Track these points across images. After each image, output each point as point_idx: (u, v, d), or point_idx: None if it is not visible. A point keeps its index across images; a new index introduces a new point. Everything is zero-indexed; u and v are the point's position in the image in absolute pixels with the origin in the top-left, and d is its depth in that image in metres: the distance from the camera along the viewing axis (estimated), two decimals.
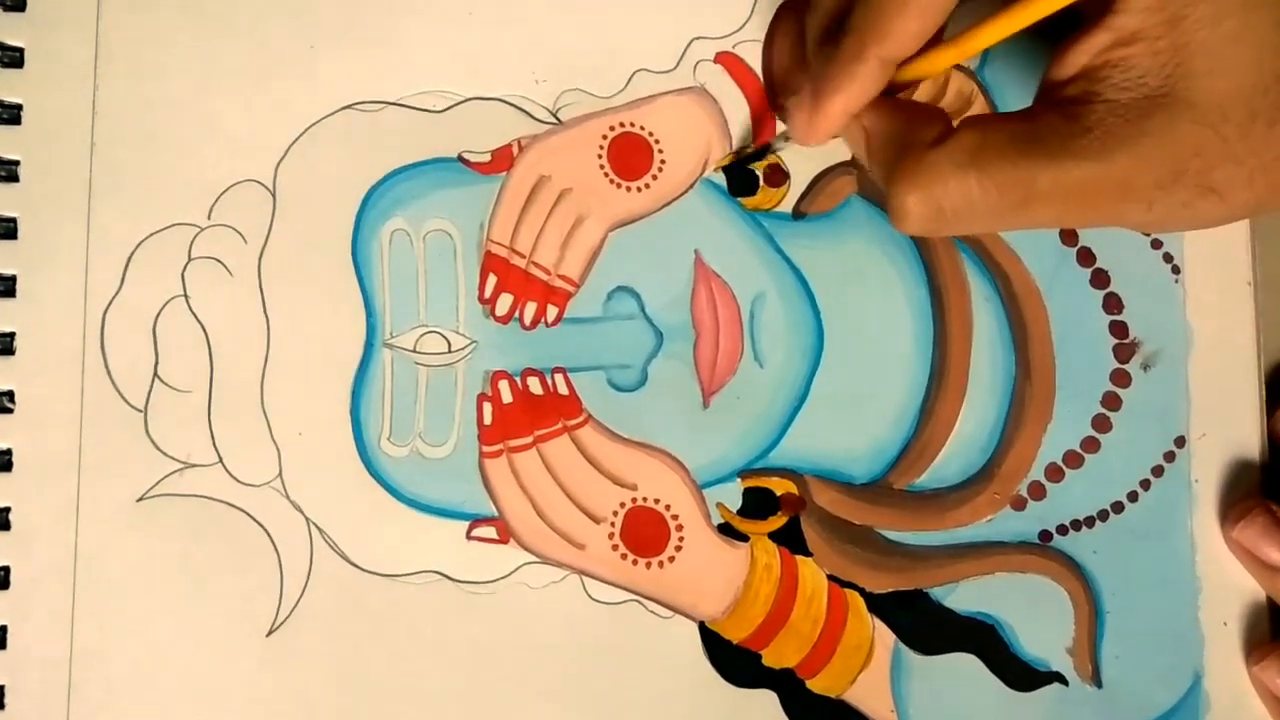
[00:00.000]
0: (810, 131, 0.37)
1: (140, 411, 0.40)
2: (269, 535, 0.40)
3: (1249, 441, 0.44)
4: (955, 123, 0.35)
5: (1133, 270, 0.44)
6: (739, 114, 0.43)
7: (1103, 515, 0.43)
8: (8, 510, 0.40)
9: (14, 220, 0.41)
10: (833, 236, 0.43)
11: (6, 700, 0.39)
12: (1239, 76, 0.32)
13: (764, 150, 0.42)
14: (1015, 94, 0.44)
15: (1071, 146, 0.33)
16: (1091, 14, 0.34)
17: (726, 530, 0.42)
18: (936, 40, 0.35)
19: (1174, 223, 0.35)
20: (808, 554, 0.42)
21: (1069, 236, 0.44)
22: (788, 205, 0.43)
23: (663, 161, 0.43)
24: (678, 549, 0.42)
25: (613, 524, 0.42)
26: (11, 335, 0.40)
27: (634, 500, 0.42)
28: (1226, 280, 0.44)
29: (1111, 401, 0.43)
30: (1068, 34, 0.34)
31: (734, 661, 0.41)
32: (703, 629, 0.41)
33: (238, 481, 0.40)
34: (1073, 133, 0.33)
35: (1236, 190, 0.33)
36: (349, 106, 0.42)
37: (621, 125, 0.43)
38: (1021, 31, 0.34)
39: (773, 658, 0.42)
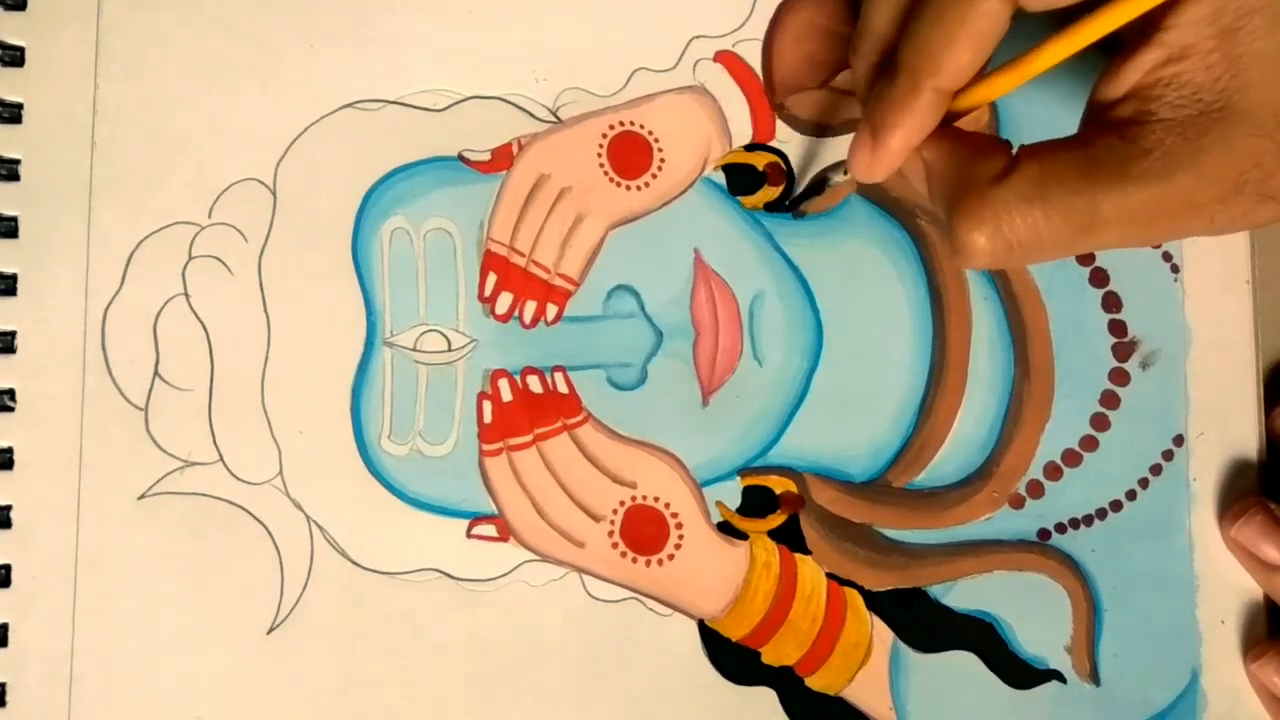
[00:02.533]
0: (872, 170, 0.36)
1: (141, 410, 0.40)
2: (269, 533, 0.40)
3: (1247, 440, 0.44)
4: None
5: (1132, 269, 0.44)
6: (739, 113, 0.43)
7: (1101, 514, 0.43)
8: (9, 508, 0.40)
9: (15, 219, 0.41)
10: (833, 236, 0.43)
11: (8, 698, 0.39)
12: None
13: (821, 184, 0.42)
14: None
15: (1132, 170, 0.32)
16: (1135, 32, 0.33)
17: (726, 528, 0.42)
18: (991, 68, 0.35)
19: (1234, 229, 0.35)
20: (807, 552, 0.42)
21: None
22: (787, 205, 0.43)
23: (662, 160, 0.43)
24: (677, 547, 0.42)
25: (612, 522, 0.42)
26: (12, 334, 0.40)
27: (633, 498, 0.42)
28: (1225, 279, 0.44)
29: (1110, 400, 0.44)
30: (1113, 53, 0.34)
31: (733, 659, 0.42)
32: (702, 627, 0.42)
33: (238, 480, 0.41)
34: (1132, 155, 0.33)
35: None
36: (349, 105, 0.42)
37: (621, 124, 0.43)
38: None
39: (772, 655, 0.42)
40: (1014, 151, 0.34)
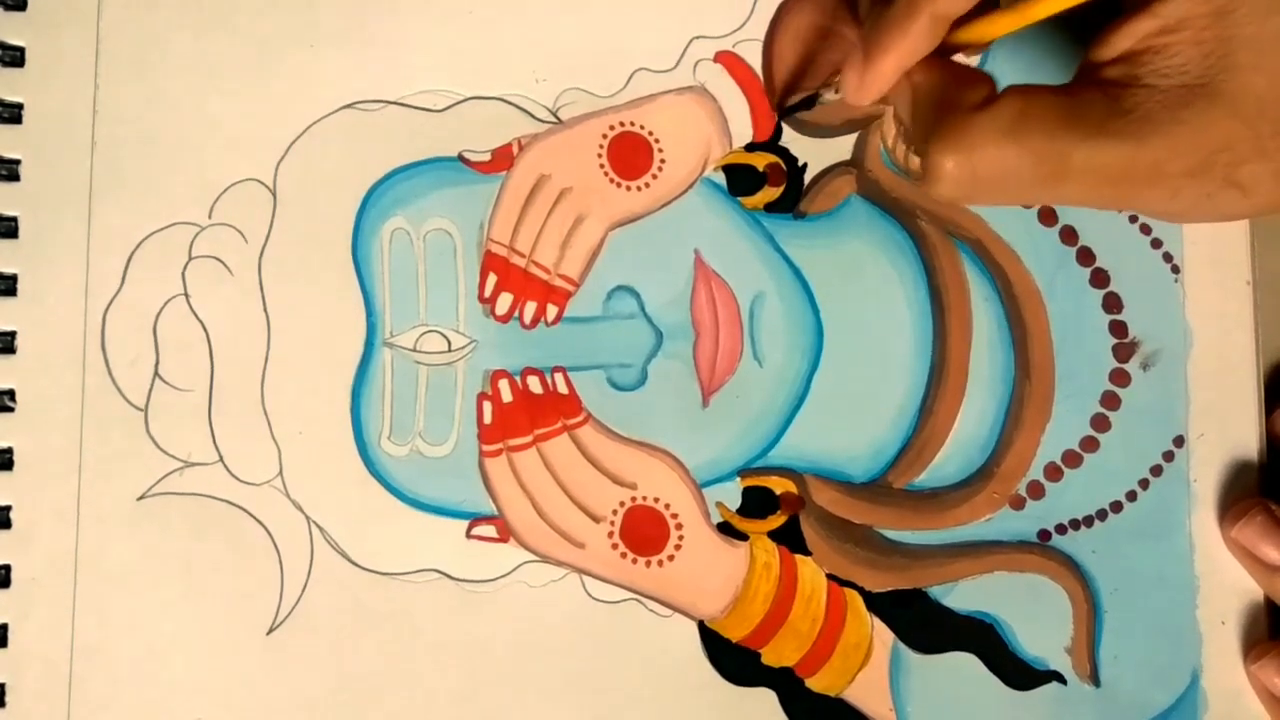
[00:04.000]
0: (862, 89, 0.37)
1: (141, 410, 0.40)
2: (269, 534, 0.40)
3: (1248, 441, 0.44)
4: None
5: (1132, 270, 0.44)
6: (739, 113, 0.43)
7: (1101, 515, 0.43)
8: (8, 509, 0.40)
9: (15, 219, 0.41)
10: (832, 236, 0.43)
11: (7, 698, 0.39)
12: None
13: (811, 101, 0.42)
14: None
15: (1109, 126, 0.33)
16: (1135, 0, 0.34)
17: (726, 529, 0.42)
18: (993, 7, 0.35)
19: (1194, 214, 0.35)
20: (807, 553, 0.42)
21: (1069, 236, 0.44)
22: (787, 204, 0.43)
23: (662, 161, 0.43)
24: (677, 548, 0.42)
25: (612, 523, 0.42)
26: (12, 334, 0.40)
27: (633, 499, 0.42)
28: (1226, 280, 0.44)
29: (1110, 401, 0.44)
30: (1106, 19, 0.34)
31: (733, 660, 0.42)
32: (702, 628, 0.42)
33: (238, 480, 0.41)
34: (1111, 113, 0.33)
35: (1261, 186, 0.34)
36: (349, 106, 0.42)
37: (621, 124, 0.43)
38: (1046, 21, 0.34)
39: (772, 656, 0.42)
40: (1000, 90, 0.35)
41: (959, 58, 0.37)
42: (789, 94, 0.43)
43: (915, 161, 0.44)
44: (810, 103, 0.42)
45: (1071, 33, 0.43)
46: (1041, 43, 0.44)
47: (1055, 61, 0.43)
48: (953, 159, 0.34)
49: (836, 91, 0.40)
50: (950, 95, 0.35)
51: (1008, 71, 0.44)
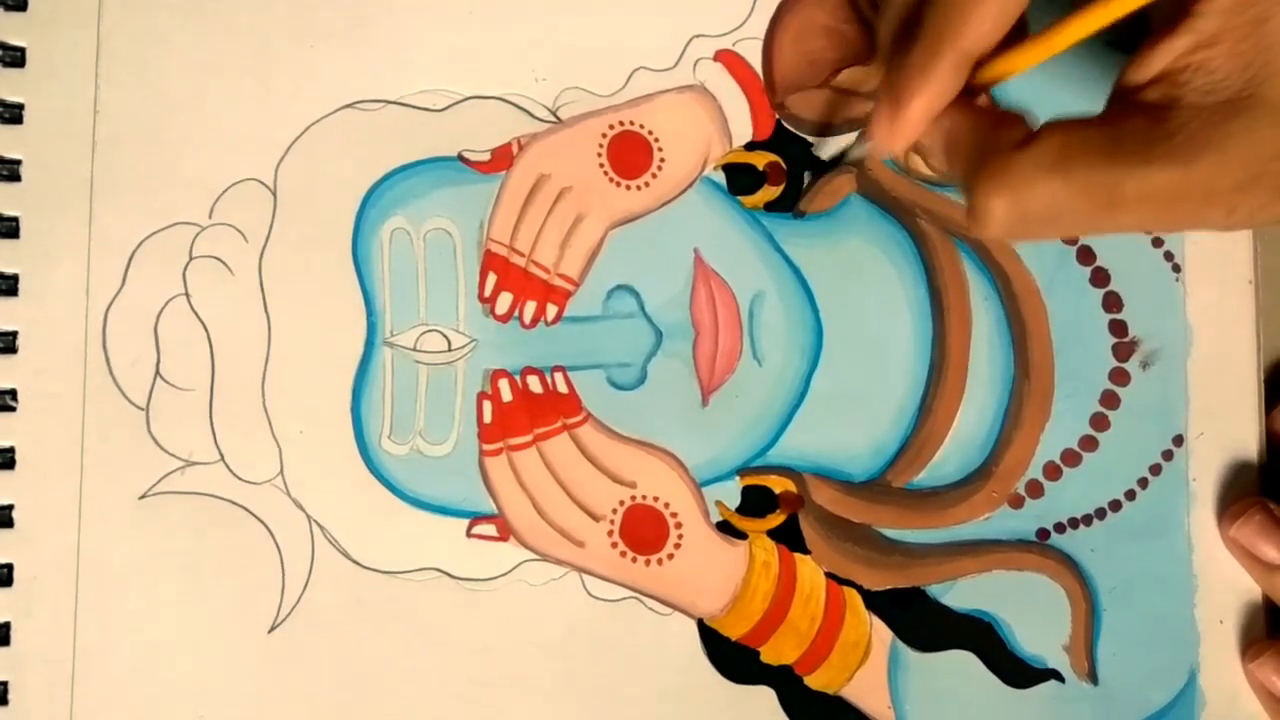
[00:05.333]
0: (892, 138, 0.36)
1: (142, 410, 0.41)
2: (270, 533, 0.41)
3: (1247, 440, 0.44)
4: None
5: (1133, 269, 0.44)
6: (739, 112, 0.43)
7: (1100, 514, 0.43)
8: (10, 508, 0.40)
9: (16, 219, 0.41)
10: (832, 235, 0.43)
11: (9, 697, 0.39)
12: None
13: (839, 159, 0.42)
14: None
15: (1155, 152, 0.32)
16: (1165, 17, 0.33)
17: (725, 528, 0.42)
18: (1016, 41, 0.35)
19: (1252, 225, 0.35)
20: (806, 552, 0.42)
21: None
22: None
23: (662, 160, 0.43)
24: (677, 546, 0.42)
25: (612, 522, 0.42)
26: (14, 334, 0.40)
27: (633, 498, 0.42)
28: (1228, 279, 0.44)
29: (1110, 400, 0.44)
30: (1141, 39, 0.34)
31: (732, 658, 0.42)
32: (701, 626, 0.42)
33: (239, 479, 0.41)
34: (1156, 137, 0.32)
35: None
36: (349, 105, 0.42)
37: (621, 124, 0.43)
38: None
39: (771, 654, 0.42)
40: (1036, 128, 0.34)
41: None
42: (816, 135, 0.43)
43: (916, 160, 0.44)
44: (838, 161, 0.42)
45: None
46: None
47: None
48: (1001, 201, 0.33)
49: (865, 142, 0.40)
50: (986, 137, 0.34)
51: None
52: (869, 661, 0.42)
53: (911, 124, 0.35)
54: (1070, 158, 0.33)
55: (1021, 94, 0.40)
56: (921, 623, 0.42)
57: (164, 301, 0.41)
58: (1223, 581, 0.43)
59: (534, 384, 0.42)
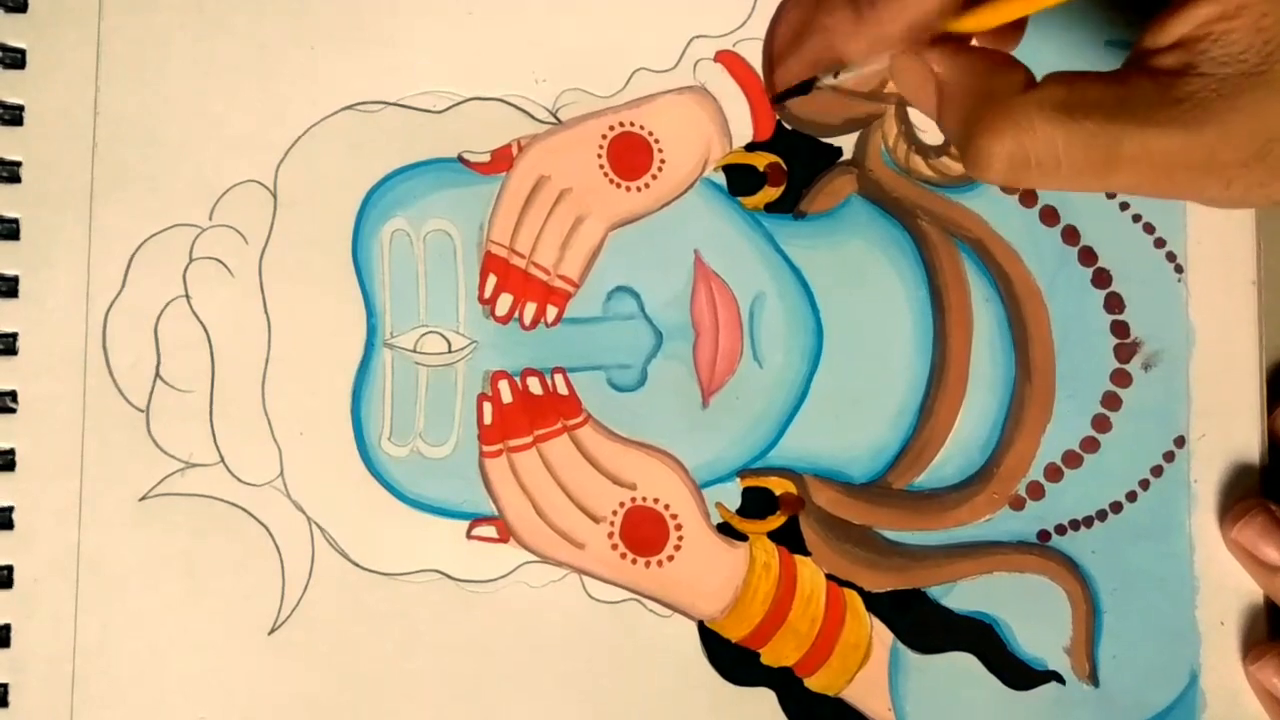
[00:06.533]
0: (856, 35, 0.34)
1: (142, 411, 0.41)
2: (270, 534, 0.41)
3: (1249, 442, 0.43)
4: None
5: (1135, 269, 0.44)
6: (739, 113, 0.43)
7: (1101, 515, 0.43)
8: (10, 509, 0.40)
9: (16, 221, 0.41)
10: (833, 236, 0.43)
11: (10, 699, 0.39)
12: None
13: (808, 85, 0.40)
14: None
15: (1161, 115, 0.32)
16: None
17: (725, 530, 0.42)
18: None
19: (1248, 202, 0.34)
20: (806, 553, 0.42)
21: (1070, 235, 0.44)
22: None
23: (662, 161, 0.43)
24: (677, 548, 0.42)
25: (612, 523, 0.42)
26: (14, 335, 0.40)
27: (633, 500, 0.42)
28: (1230, 279, 0.44)
29: (1111, 401, 0.43)
30: (1159, 5, 0.33)
31: (732, 660, 0.42)
32: (701, 628, 0.42)
33: (239, 481, 0.41)
34: (1164, 101, 0.32)
35: None
36: (349, 107, 0.42)
37: (621, 125, 0.43)
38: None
39: (771, 656, 0.42)
40: (1037, 79, 0.34)
41: None
42: (786, 88, 0.43)
43: (917, 160, 0.44)
44: (806, 87, 0.41)
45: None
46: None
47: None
48: (1001, 143, 0.33)
49: (835, 75, 0.39)
50: (984, 84, 0.34)
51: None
52: (869, 663, 0.42)
53: (881, 26, 0.34)
54: (1072, 109, 0.32)
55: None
56: (922, 624, 0.42)
57: (164, 303, 0.41)
58: (1224, 583, 0.43)
59: (534, 385, 0.42)
